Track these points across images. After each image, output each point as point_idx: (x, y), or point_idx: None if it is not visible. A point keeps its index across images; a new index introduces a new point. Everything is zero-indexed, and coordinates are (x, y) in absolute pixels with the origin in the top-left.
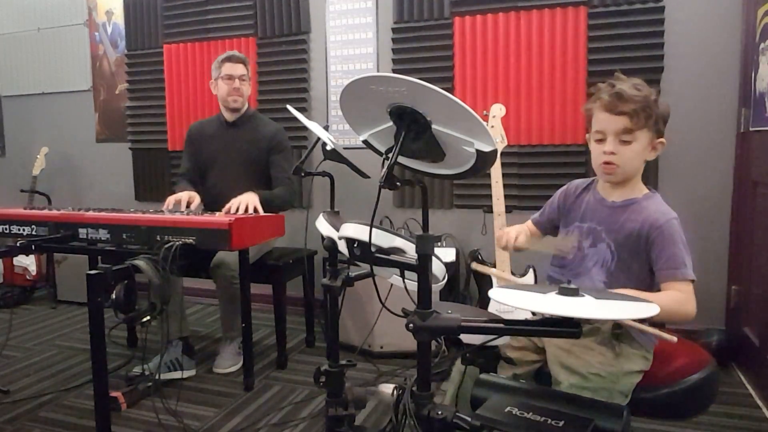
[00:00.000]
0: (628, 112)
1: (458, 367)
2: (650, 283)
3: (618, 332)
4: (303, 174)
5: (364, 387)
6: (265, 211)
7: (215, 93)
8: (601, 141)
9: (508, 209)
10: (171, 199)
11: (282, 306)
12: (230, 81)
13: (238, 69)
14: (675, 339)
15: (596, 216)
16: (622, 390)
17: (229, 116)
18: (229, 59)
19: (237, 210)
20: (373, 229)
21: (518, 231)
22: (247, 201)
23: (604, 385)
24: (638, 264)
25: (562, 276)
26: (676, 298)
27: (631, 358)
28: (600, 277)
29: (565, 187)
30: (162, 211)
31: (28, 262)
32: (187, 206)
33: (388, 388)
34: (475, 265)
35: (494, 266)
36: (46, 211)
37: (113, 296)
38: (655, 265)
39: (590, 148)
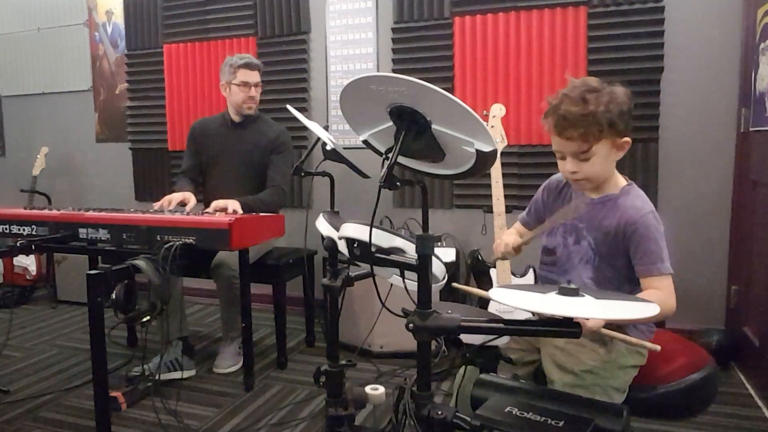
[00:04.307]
0: (576, 137)
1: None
2: (633, 278)
3: (610, 329)
4: (303, 174)
5: (362, 387)
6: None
7: (225, 95)
8: (561, 159)
9: (508, 209)
10: (164, 200)
11: (282, 306)
12: (246, 89)
13: (254, 77)
14: (658, 348)
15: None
16: (617, 386)
17: (236, 117)
18: (247, 66)
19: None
20: (373, 229)
21: (508, 237)
22: (226, 205)
23: (598, 382)
24: (618, 260)
25: (551, 274)
26: (653, 296)
27: (624, 354)
28: (587, 273)
29: (546, 182)
30: (162, 211)
31: (28, 262)
32: (183, 206)
33: (377, 390)
34: (455, 285)
35: (494, 266)
36: (46, 211)
37: (113, 296)
38: (633, 261)
39: None
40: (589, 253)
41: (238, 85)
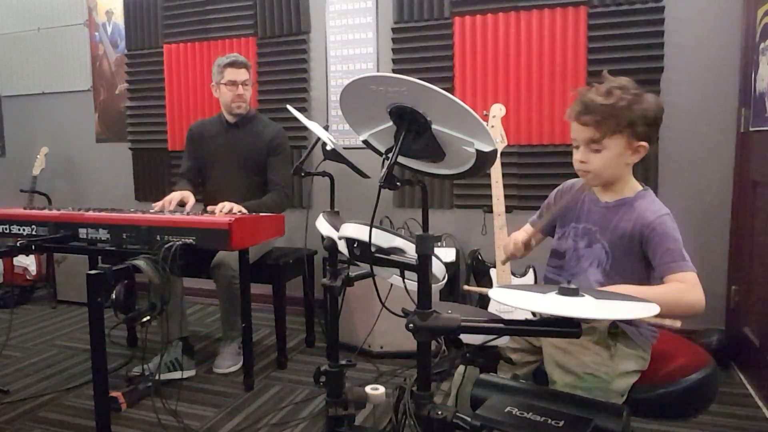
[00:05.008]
0: (592, 124)
1: (461, 366)
2: (647, 283)
3: (614, 331)
4: (303, 174)
5: (362, 387)
6: None
7: (217, 96)
8: (576, 148)
9: (508, 209)
10: (165, 201)
11: (282, 306)
12: (233, 87)
13: (241, 74)
14: (678, 323)
15: (591, 217)
16: (618, 390)
17: (230, 117)
18: (232, 65)
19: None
20: (373, 229)
21: (517, 234)
22: (231, 208)
23: (599, 384)
24: (633, 264)
25: (558, 277)
26: (676, 288)
27: (627, 358)
28: (596, 277)
29: (560, 186)
30: (162, 211)
31: (28, 262)
32: (182, 206)
33: (377, 390)
34: (466, 288)
35: (494, 266)
36: (46, 211)
37: (113, 296)
38: (654, 263)
39: None
40: (601, 256)
41: (226, 85)
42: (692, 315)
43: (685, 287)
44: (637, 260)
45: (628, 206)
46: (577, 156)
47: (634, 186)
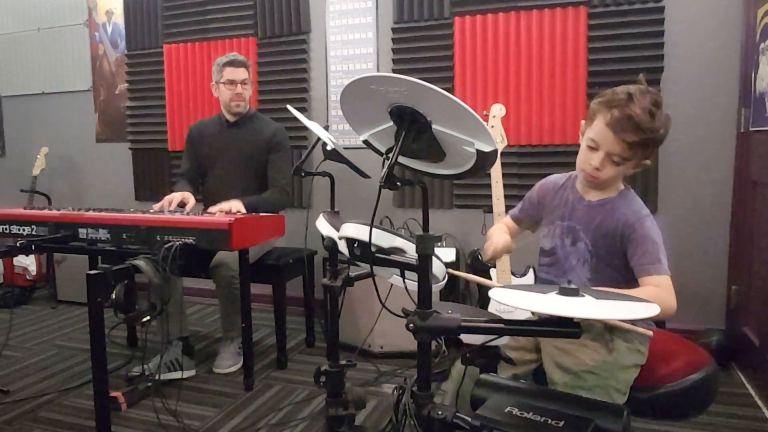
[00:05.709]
0: (629, 142)
1: (458, 366)
2: (632, 278)
3: (611, 326)
4: (303, 174)
5: (364, 387)
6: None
7: (216, 95)
8: (592, 149)
9: (508, 209)
10: (165, 201)
11: (282, 306)
12: (232, 86)
13: (240, 74)
14: (650, 333)
15: (575, 214)
16: (618, 387)
17: (230, 117)
18: (231, 63)
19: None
20: (373, 229)
21: (498, 237)
22: (230, 208)
23: (599, 382)
24: (617, 261)
25: (549, 275)
26: (651, 293)
27: (625, 353)
28: (585, 274)
29: (542, 181)
30: (162, 211)
31: (28, 262)
32: (182, 206)
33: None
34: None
35: (494, 266)
36: (46, 211)
37: (113, 296)
38: (631, 262)
39: (581, 144)
40: (585, 255)
41: (225, 84)
42: (663, 319)
43: (659, 292)
44: (619, 257)
45: (611, 205)
46: (594, 161)
47: (617, 185)
